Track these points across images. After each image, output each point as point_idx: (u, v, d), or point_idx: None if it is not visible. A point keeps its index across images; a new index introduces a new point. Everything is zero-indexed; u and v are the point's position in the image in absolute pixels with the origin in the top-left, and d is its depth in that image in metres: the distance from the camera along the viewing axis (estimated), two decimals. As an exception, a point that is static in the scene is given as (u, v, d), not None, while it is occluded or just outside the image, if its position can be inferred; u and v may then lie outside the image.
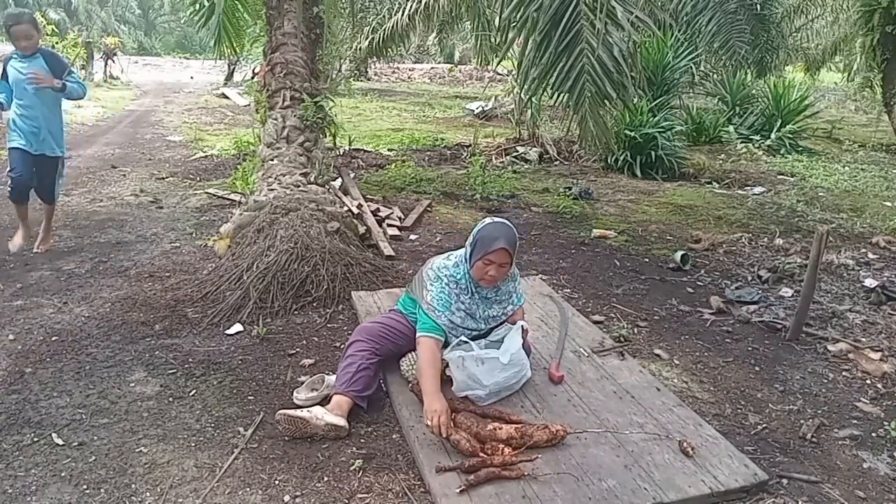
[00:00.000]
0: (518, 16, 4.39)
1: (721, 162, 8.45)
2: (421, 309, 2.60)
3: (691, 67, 9.91)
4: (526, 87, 4.81)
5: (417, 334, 2.56)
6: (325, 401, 2.53)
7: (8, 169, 4.21)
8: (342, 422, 2.37)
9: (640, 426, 2.40)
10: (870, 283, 4.07)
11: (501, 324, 2.75)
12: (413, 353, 2.66)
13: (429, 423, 2.28)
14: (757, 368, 3.11)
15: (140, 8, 38.53)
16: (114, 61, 18.83)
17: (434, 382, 2.41)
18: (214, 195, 5.93)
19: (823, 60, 16.91)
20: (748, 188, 7.12)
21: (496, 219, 2.66)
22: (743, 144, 9.14)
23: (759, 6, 10.16)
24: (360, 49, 12.12)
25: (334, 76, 9.33)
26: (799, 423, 2.64)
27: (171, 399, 2.63)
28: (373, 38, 11.77)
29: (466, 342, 2.57)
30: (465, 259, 2.61)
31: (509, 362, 2.48)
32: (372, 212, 5.24)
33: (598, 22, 4.06)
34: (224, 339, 3.19)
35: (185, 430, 2.43)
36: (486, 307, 2.69)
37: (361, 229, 4.69)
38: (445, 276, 2.62)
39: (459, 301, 2.61)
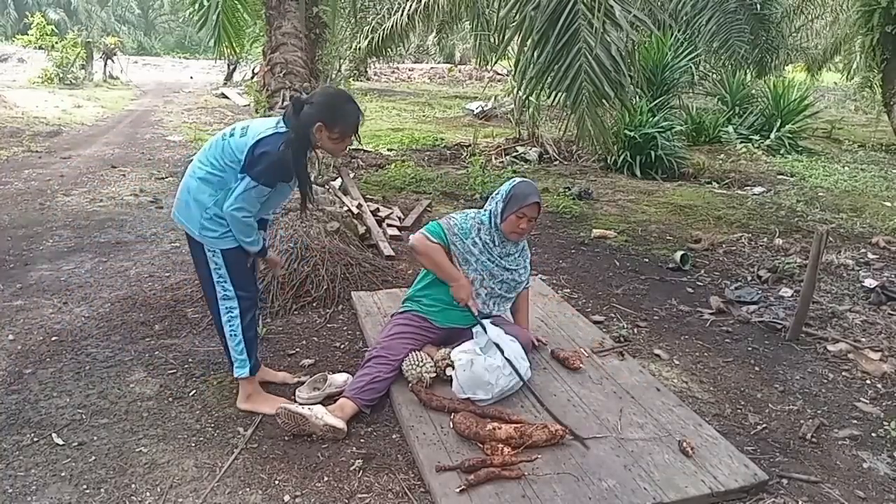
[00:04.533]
0: (516, 15, 4.39)
1: (721, 162, 8.45)
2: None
3: (691, 67, 9.90)
4: (523, 86, 4.81)
5: (414, 234, 2.75)
6: (326, 401, 2.54)
7: None
8: (341, 424, 2.37)
9: (640, 426, 2.40)
10: (870, 283, 4.07)
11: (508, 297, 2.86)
12: (413, 353, 2.66)
13: (469, 304, 2.61)
14: (757, 368, 3.11)
15: (140, 8, 38.52)
16: (113, 61, 18.83)
17: (452, 267, 2.67)
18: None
19: (823, 60, 16.89)
20: (748, 188, 7.12)
21: (523, 178, 2.80)
22: (742, 144, 9.15)
23: (758, 6, 10.14)
24: (359, 49, 12.09)
25: (334, 76, 9.33)
26: (799, 423, 2.64)
27: (171, 399, 2.63)
28: (372, 38, 11.74)
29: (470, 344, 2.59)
30: (496, 214, 2.72)
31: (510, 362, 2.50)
32: (372, 212, 5.24)
33: (595, 21, 4.06)
34: (224, 339, 3.19)
35: (185, 430, 2.43)
36: (505, 263, 2.79)
37: (361, 229, 4.69)
38: (470, 215, 2.78)
39: (478, 235, 2.74)
